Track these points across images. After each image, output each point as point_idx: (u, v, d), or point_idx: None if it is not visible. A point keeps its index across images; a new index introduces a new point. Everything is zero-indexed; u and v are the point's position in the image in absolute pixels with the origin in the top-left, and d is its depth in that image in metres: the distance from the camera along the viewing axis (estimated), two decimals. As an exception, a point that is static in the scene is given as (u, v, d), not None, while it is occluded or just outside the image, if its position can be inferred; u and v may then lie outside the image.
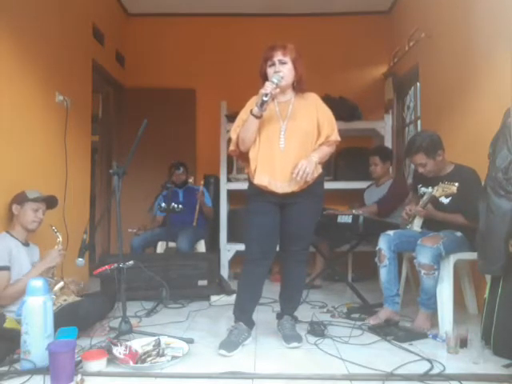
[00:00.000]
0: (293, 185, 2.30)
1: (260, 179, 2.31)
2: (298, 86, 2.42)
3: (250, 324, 2.43)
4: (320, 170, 2.38)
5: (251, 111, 2.28)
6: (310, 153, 2.33)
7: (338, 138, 2.42)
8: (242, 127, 2.34)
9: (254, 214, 2.38)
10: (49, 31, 3.38)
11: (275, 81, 2.25)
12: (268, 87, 2.22)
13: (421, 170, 2.78)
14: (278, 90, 2.27)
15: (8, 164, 2.83)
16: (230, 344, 2.24)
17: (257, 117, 2.27)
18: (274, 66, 2.34)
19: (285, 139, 2.32)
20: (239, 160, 2.60)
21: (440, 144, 2.75)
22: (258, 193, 2.35)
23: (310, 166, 2.26)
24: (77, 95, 3.81)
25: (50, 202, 2.74)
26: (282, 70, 2.32)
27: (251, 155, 2.36)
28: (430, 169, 2.76)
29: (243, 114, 2.41)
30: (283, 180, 2.30)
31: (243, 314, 2.41)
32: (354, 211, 3.38)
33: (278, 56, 2.34)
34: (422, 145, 2.72)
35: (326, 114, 2.43)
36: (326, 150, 2.40)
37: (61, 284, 2.53)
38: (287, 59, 2.35)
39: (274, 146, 2.32)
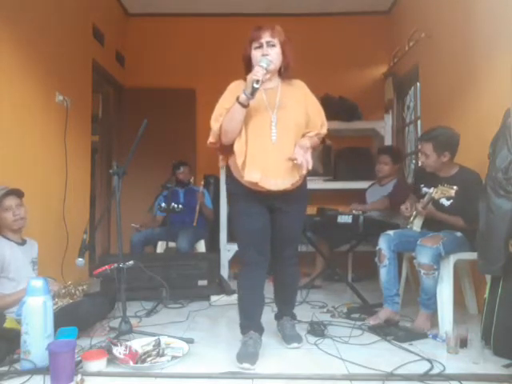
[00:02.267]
0: (287, 182, 2.13)
1: (250, 176, 2.09)
2: (286, 73, 2.22)
3: (261, 330, 2.28)
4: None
5: (238, 99, 2.06)
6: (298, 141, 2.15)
7: (326, 131, 2.29)
8: (226, 117, 2.11)
9: (245, 215, 2.21)
10: (49, 31, 3.38)
11: (264, 65, 2.04)
12: (259, 73, 2.01)
13: (422, 159, 2.79)
14: (268, 75, 2.08)
15: (8, 164, 2.83)
16: (251, 356, 2.07)
17: (244, 105, 2.05)
18: (260, 49, 2.13)
19: (277, 131, 2.12)
20: (218, 152, 2.34)
21: (452, 147, 2.73)
22: (243, 192, 2.18)
23: (308, 153, 2.08)
24: (77, 95, 3.81)
25: (16, 193, 2.52)
26: (270, 53, 2.12)
27: (237, 148, 2.13)
28: (430, 163, 2.76)
29: (224, 102, 2.17)
30: (277, 176, 2.11)
31: (252, 321, 2.26)
32: (354, 211, 3.38)
33: (266, 37, 2.13)
34: (436, 137, 2.72)
35: (315, 104, 2.27)
36: (316, 142, 2.25)
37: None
38: (276, 41, 2.14)
39: (264, 139, 2.12)
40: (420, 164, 2.84)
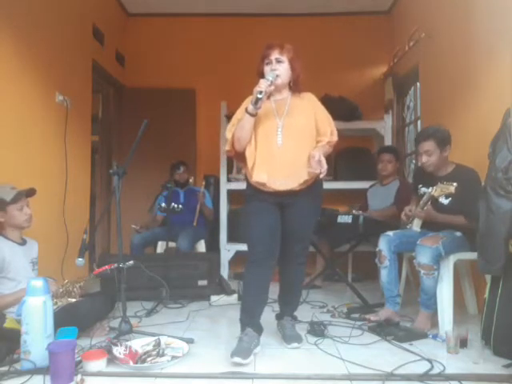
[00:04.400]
0: (293, 181, 2.27)
1: (258, 176, 2.27)
2: (295, 87, 2.40)
3: (259, 330, 2.31)
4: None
5: (246, 109, 2.26)
6: (309, 150, 2.27)
7: (337, 138, 2.40)
8: (237, 126, 2.31)
9: (255, 213, 2.33)
10: (49, 31, 3.38)
11: (270, 78, 2.25)
12: (262, 84, 2.21)
13: (424, 158, 2.76)
14: (272, 87, 2.27)
15: (7, 164, 2.83)
16: (243, 351, 2.10)
17: (252, 115, 2.25)
18: (270, 64, 2.33)
19: (282, 136, 2.29)
20: (236, 160, 2.53)
21: (450, 141, 2.75)
22: (256, 193, 2.32)
23: (320, 160, 2.18)
24: (77, 95, 3.81)
25: (28, 193, 2.60)
26: (279, 69, 2.32)
27: (248, 153, 2.32)
28: (433, 161, 2.75)
29: (238, 114, 2.38)
30: (282, 177, 2.27)
31: (251, 318, 2.29)
32: (354, 211, 3.38)
33: (275, 54, 2.33)
34: (435, 133, 2.74)
35: (324, 112, 2.41)
36: (328, 150, 2.37)
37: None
38: (284, 58, 2.34)
39: (271, 143, 2.29)
40: (421, 164, 2.82)
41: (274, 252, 2.32)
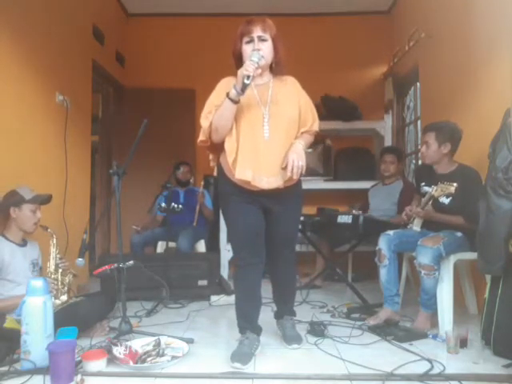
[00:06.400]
0: (279, 179, 2.09)
1: (242, 174, 2.04)
2: (277, 68, 2.18)
3: (258, 330, 2.26)
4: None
5: (228, 95, 2.01)
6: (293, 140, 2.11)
7: (317, 128, 2.24)
8: (216, 114, 2.05)
9: (237, 214, 2.15)
10: (49, 31, 3.38)
11: (255, 59, 1.99)
12: (250, 67, 1.96)
13: (423, 149, 2.80)
14: (259, 70, 2.01)
15: (7, 164, 2.83)
16: (243, 356, 2.07)
17: (235, 101, 2.00)
18: (251, 43, 2.09)
19: (269, 127, 2.07)
20: (209, 152, 2.27)
21: (453, 139, 2.74)
22: (235, 192, 2.12)
23: (301, 157, 2.04)
24: (77, 95, 3.81)
25: (46, 200, 2.67)
26: (262, 48, 2.07)
27: (228, 146, 2.07)
28: (430, 153, 2.76)
29: (214, 99, 2.12)
30: (269, 174, 2.07)
31: (249, 322, 2.24)
32: (354, 211, 3.38)
33: (258, 32, 2.08)
34: (440, 127, 2.76)
35: (308, 101, 2.23)
36: (309, 139, 2.21)
37: (71, 276, 2.59)
38: (267, 36, 2.09)
39: (256, 135, 2.07)
40: (420, 155, 2.83)
41: (261, 256, 2.21)
